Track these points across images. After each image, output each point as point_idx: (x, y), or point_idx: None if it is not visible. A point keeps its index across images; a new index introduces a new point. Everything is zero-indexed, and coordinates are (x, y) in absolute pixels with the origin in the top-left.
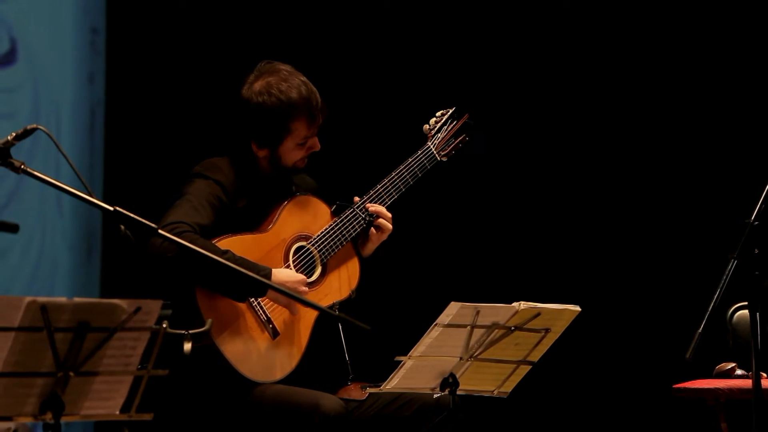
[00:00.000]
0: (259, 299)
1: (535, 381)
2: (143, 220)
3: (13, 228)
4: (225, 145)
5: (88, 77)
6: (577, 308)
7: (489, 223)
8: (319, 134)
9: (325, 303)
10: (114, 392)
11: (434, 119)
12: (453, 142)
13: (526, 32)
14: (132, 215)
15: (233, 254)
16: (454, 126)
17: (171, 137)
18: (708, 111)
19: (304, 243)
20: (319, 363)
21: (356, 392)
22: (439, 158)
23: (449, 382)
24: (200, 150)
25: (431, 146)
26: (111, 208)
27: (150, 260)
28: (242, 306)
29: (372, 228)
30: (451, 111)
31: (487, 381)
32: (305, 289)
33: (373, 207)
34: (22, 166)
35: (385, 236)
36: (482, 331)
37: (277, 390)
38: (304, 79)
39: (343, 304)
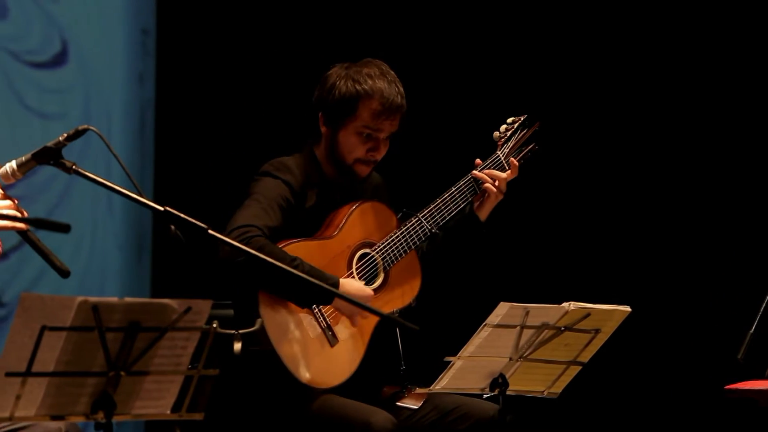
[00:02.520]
0: (320, 306)
1: (586, 382)
2: (193, 221)
3: (64, 228)
4: (293, 145)
5: (138, 78)
6: (628, 309)
7: (538, 223)
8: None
9: (385, 310)
10: (165, 392)
11: (505, 126)
12: (523, 150)
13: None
14: (182, 215)
15: (302, 261)
16: (524, 134)
17: (221, 137)
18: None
19: (368, 250)
20: (375, 370)
21: (410, 400)
22: (508, 168)
23: (499, 382)
24: (250, 149)
25: (500, 155)
26: (161, 209)
27: (221, 264)
28: (303, 312)
29: (485, 192)
30: (522, 119)
31: (537, 381)
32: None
33: (488, 171)
34: (74, 167)
35: (494, 198)
36: (532, 331)
37: (329, 402)
38: (399, 86)
39: (401, 312)
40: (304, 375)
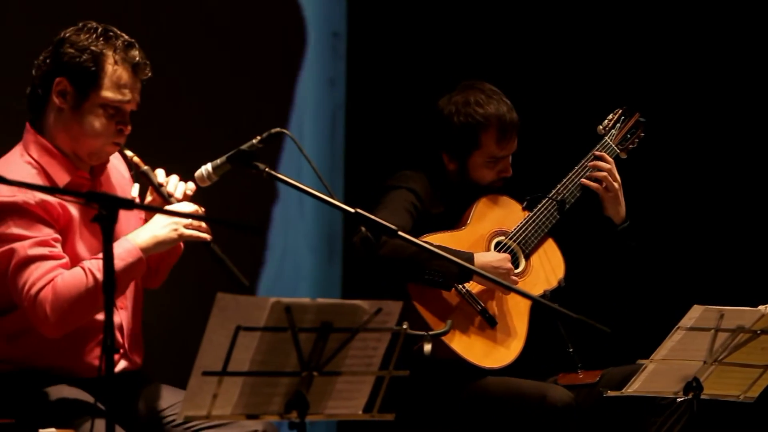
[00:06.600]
0: (470, 291)
1: None
2: (384, 222)
3: (257, 231)
4: (419, 160)
5: (329, 81)
6: None
7: (732, 224)
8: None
9: (534, 292)
10: (356, 392)
11: (606, 120)
12: (629, 138)
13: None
14: (373, 217)
15: (431, 242)
16: (627, 124)
17: (410, 140)
18: None
19: (502, 238)
20: (542, 352)
21: (587, 376)
22: (618, 151)
23: (693, 386)
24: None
25: (609, 140)
26: (352, 210)
27: (364, 261)
28: (456, 299)
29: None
30: (621, 111)
31: (732, 385)
32: (510, 266)
33: (592, 163)
34: (267, 169)
35: (610, 191)
36: (726, 334)
37: (500, 380)
38: (506, 100)
39: (553, 293)
40: (474, 356)
